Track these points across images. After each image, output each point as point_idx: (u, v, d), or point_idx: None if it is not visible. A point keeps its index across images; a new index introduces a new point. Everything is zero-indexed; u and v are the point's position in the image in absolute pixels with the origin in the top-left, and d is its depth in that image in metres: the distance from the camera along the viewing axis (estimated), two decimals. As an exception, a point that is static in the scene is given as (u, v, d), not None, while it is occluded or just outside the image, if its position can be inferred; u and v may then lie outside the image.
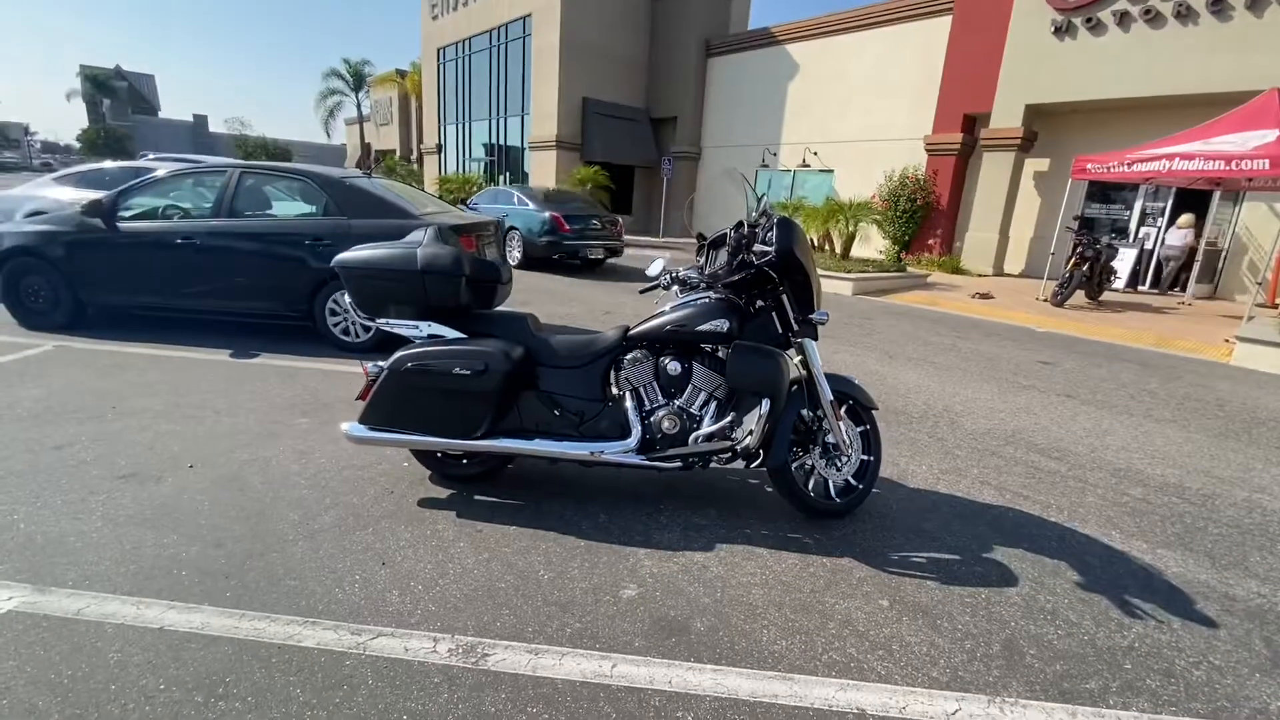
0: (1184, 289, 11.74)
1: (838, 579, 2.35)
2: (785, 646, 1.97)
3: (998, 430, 4.15)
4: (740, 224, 2.68)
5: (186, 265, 4.85)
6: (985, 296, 10.22)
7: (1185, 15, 10.92)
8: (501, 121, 22.59)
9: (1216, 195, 11.56)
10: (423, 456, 2.91)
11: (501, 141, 22.94)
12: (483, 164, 23.99)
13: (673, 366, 2.68)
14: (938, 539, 2.70)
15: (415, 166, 29.93)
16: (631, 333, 2.76)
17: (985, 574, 2.45)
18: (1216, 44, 10.63)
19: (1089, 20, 11.96)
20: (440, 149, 26.41)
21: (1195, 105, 10.76)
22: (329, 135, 35.75)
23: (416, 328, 2.70)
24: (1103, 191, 13.26)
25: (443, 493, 2.83)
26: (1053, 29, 12.38)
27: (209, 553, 2.28)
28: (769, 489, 3.05)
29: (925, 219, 14.93)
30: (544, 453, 2.63)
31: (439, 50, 24.79)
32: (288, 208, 5.29)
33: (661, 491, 2.96)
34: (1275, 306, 10.59)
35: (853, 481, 2.81)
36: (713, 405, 2.67)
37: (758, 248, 2.48)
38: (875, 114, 16.56)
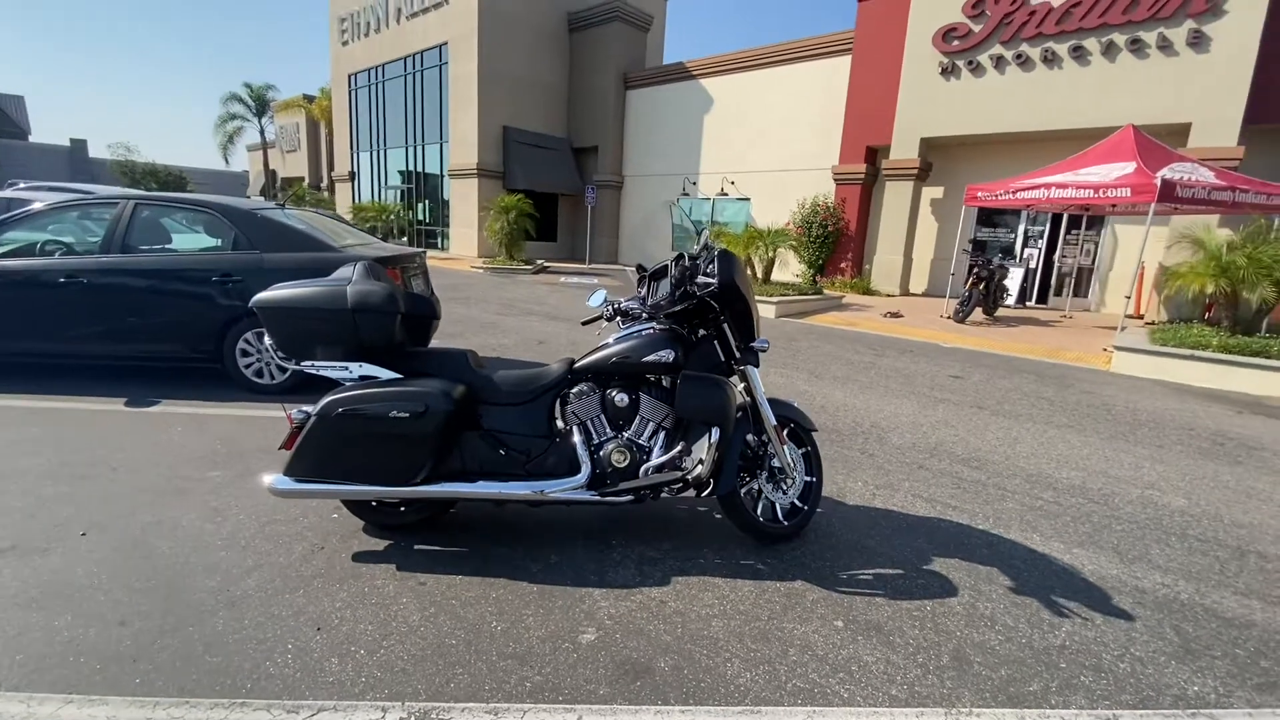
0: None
1: (793, 603, 2.38)
2: (750, 679, 1.96)
3: (922, 444, 4.38)
4: (681, 256, 2.72)
5: (72, 306, 4.39)
6: (895, 315, 10.88)
7: (1051, 60, 12.26)
8: (419, 149, 22.10)
9: (1084, 219, 12.92)
10: (355, 506, 2.73)
11: (419, 169, 22.42)
12: (399, 192, 23.32)
13: (620, 398, 2.66)
14: (881, 554, 2.80)
15: (326, 194, 28.69)
16: (577, 365, 2.72)
17: (928, 586, 2.56)
18: (1079, 85, 11.99)
19: (970, 63, 13.20)
20: (354, 176, 25.47)
21: (1066, 139, 12.06)
22: (227, 161, 33.70)
23: (346, 369, 2.55)
24: (990, 216, 14.52)
25: (379, 544, 2.65)
26: (940, 70, 13.57)
27: (111, 633, 2.02)
28: (718, 515, 3.08)
29: (837, 244, 15.81)
30: (490, 495, 2.53)
31: (350, 76, 24.06)
32: (190, 241, 4.91)
33: (612, 526, 2.91)
34: (1140, 317, 11.91)
35: (798, 503, 2.87)
36: (661, 435, 2.67)
37: (700, 279, 2.52)
38: (786, 145, 17.45)
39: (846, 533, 2.98)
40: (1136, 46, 11.39)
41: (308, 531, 2.72)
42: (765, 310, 10.59)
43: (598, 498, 2.56)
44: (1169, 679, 2.09)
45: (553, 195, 21.56)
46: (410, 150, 22.50)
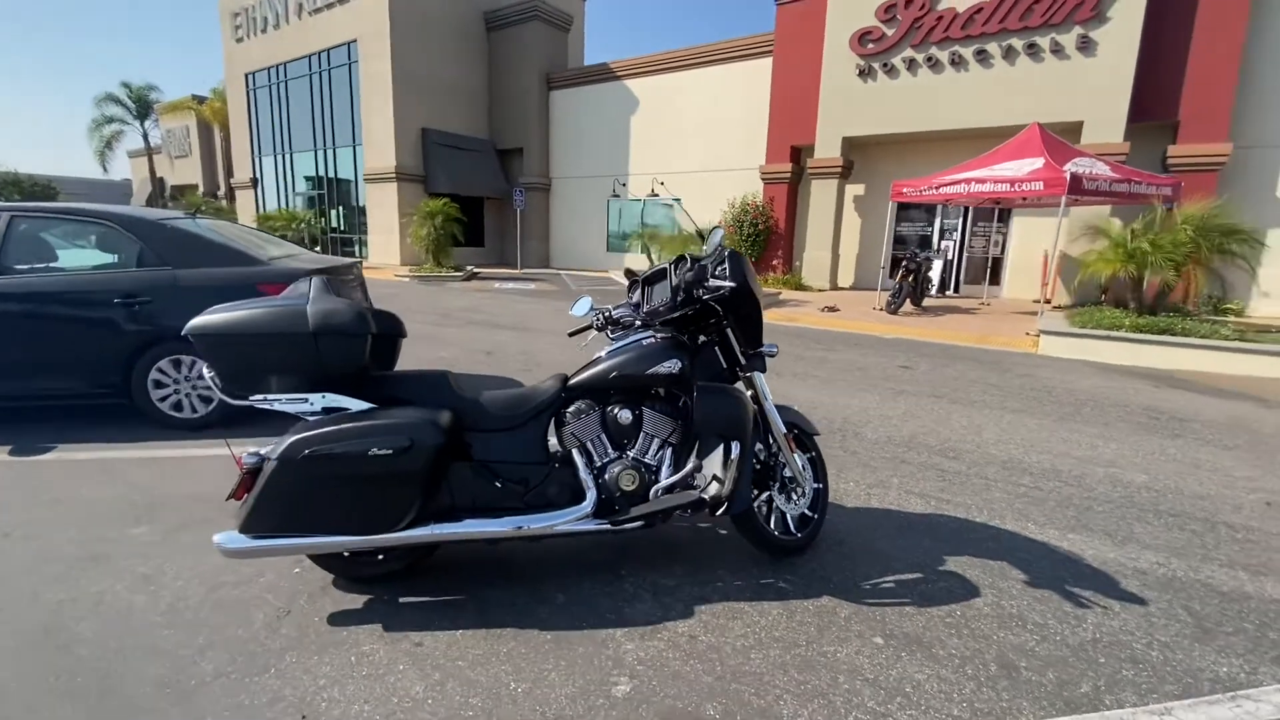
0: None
1: (826, 622, 2.24)
2: (809, 716, 1.80)
3: (896, 437, 4.40)
4: (683, 258, 2.54)
5: (-69, 341, 3.67)
6: (832, 310, 11.17)
7: (958, 63, 12.98)
8: (330, 153, 20.77)
9: (995, 212, 13.78)
10: (324, 558, 2.36)
11: (331, 174, 21.07)
12: (309, 198, 21.84)
13: (623, 415, 2.44)
14: (895, 558, 2.72)
15: (225, 203, 26.51)
16: (573, 382, 2.48)
17: (950, 588, 2.49)
18: (984, 87, 12.74)
19: (885, 65, 13.78)
20: (256, 183, 23.63)
21: (975, 138, 12.79)
22: (105, 169, 30.44)
23: (307, 401, 2.19)
24: (910, 211, 15.23)
25: (356, 600, 2.30)
26: (857, 72, 14.08)
27: (29, 756, 1.60)
28: (723, 532, 2.91)
29: (768, 242, 16.12)
30: (490, 534, 2.24)
31: (248, 76, 22.30)
32: (80, 259, 4.25)
33: (616, 554, 2.68)
34: (1049, 302, 12.81)
35: (808, 513, 2.75)
36: (668, 452, 2.47)
37: (712, 282, 2.34)
38: (714, 146, 17.64)
39: (854, 538, 2.89)
40: (1033, 50, 12.23)
41: (266, 593, 2.32)
42: (709, 310, 10.58)
43: (609, 527, 2.33)
44: (1198, 662, 2.10)
45: (478, 199, 20.84)
46: (320, 154, 21.11)
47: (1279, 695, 1.94)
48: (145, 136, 29.21)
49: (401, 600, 2.30)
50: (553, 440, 2.50)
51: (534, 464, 2.40)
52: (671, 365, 2.43)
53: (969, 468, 3.86)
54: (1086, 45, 11.74)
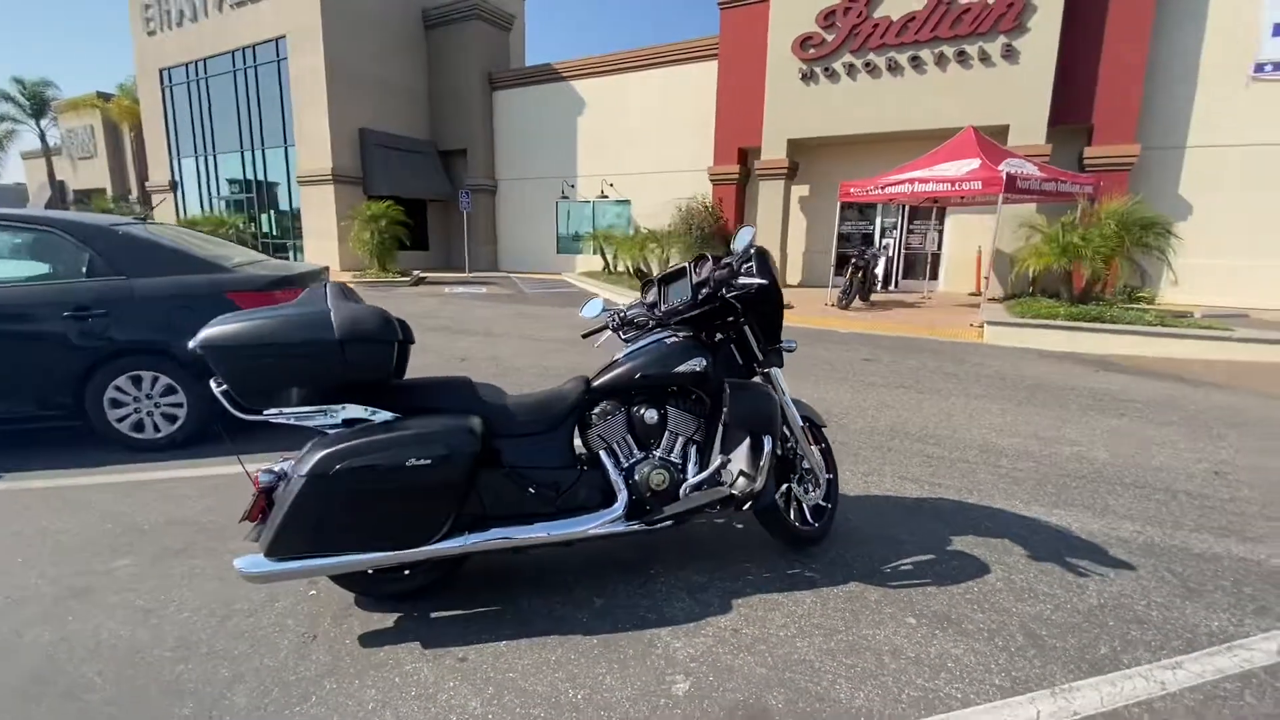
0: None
1: (859, 607, 2.31)
2: (866, 698, 1.85)
3: (877, 427, 4.57)
4: (704, 257, 2.56)
5: None
6: (788, 306, 11.46)
7: (895, 68, 13.58)
8: (258, 154, 19.70)
9: (934, 211, 14.50)
10: (347, 576, 2.25)
11: (260, 176, 19.99)
12: (235, 202, 20.63)
13: (649, 415, 2.44)
14: (905, 541, 2.83)
15: (139, 207, 24.70)
16: (597, 384, 2.46)
17: (962, 567, 2.62)
18: (919, 91, 13.38)
19: (826, 69, 14.26)
20: (176, 186, 22.13)
21: (913, 139, 13.41)
22: (-4, 172, 27.85)
23: (326, 413, 2.08)
24: (854, 210, 15.81)
25: (385, 619, 2.21)
26: (800, 76, 14.51)
27: (60, 814, 1.46)
28: (739, 525, 2.96)
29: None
30: (525, 541, 2.19)
31: (163, 72, 20.86)
32: (19, 269, 3.87)
33: (641, 554, 2.67)
34: (981, 294, 13.59)
35: (822, 503, 2.83)
36: (692, 450, 2.49)
37: (741, 280, 2.37)
38: (663, 147, 17.79)
39: (866, 525, 2.99)
40: (962, 58, 12.94)
41: (286, 619, 2.19)
42: (670, 309, 10.67)
43: (643, 527, 2.32)
44: (1191, 619, 2.28)
45: (420, 201, 20.25)
46: (248, 155, 19.99)
47: (1268, 643, 2.13)
48: (42, 137, 26.94)
49: (434, 616, 2.22)
50: (575, 442, 2.47)
51: (564, 468, 2.36)
52: (696, 363, 2.45)
53: (950, 452, 4.05)
54: (1010, 53, 12.52)
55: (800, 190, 16.08)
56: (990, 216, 13.20)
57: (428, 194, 20.29)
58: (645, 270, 13.26)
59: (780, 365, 2.63)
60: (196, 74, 20.14)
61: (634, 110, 18.05)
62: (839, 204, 12.62)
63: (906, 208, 14.80)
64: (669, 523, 2.36)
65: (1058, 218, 10.80)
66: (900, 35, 13.33)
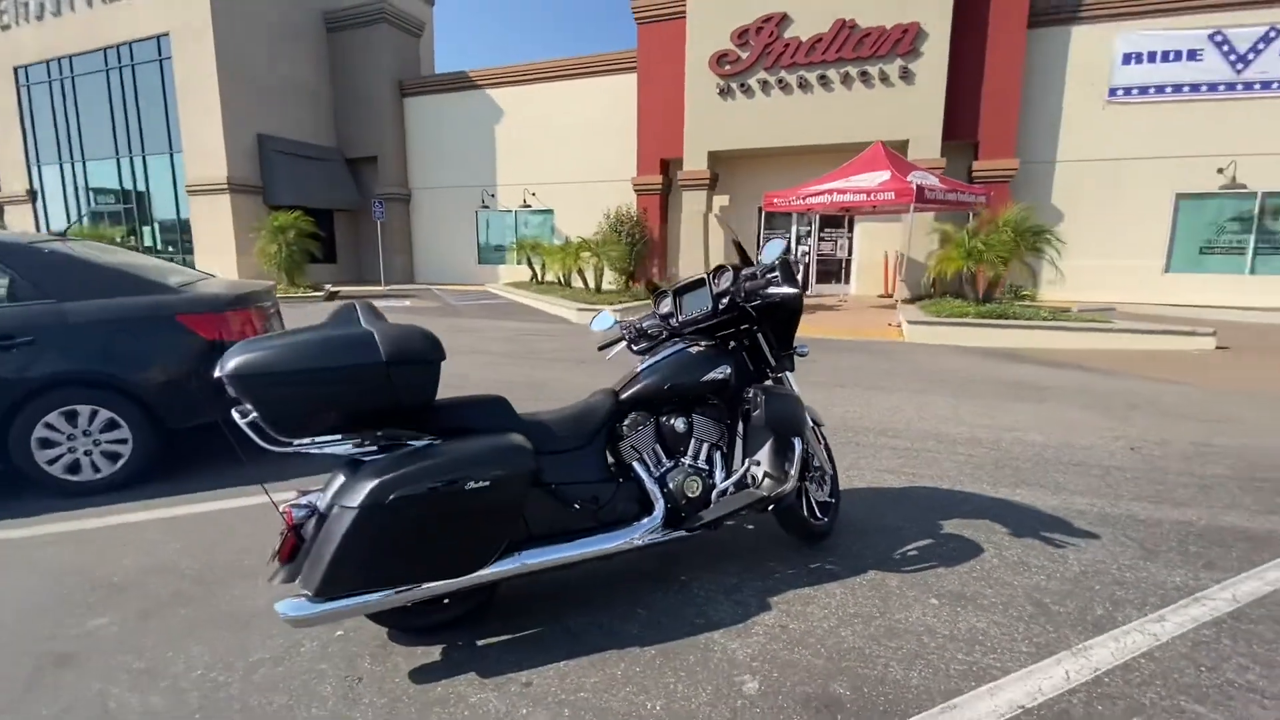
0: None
1: (884, 594, 2.46)
2: (920, 676, 1.98)
3: (837, 423, 4.83)
4: (722, 268, 2.64)
5: None
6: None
7: (805, 86, 14.40)
8: (138, 161, 17.87)
9: (846, 219, 15.47)
10: (383, 612, 2.12)
11: (141, 186, 18.13)
12: (108, 213, 18.58)
13: (679, 423, 2.49)
14: (901, 528, 3.04)
15: (-14, 221, 21.66)
16: (625, 395, 2.48)
17: (959, 548, 2.84)
18: (828, 108, 14.26)
19: (742, 85, 14.89)
20: (35, 196, 19.61)
21: (824, 153, 14.25)
22: None
23: (361, 441, 1.97)
24: (771, 219, 16.55)
25: (430, 651, 2.11)
26: (718, 91, 15.06)
27: None
28: (749, 526, 3.05)
29: (645, 250, 16.63)
30: (577, 557, 2.17)
31: (18, 70, 18.47)
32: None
33: (666, 564, 2.70)
34: (890, 296, 14.65)
35: (828, 498, 2.98)
36: (717, 455, 2.56)
37: (771, 290, 2.47)
38: (586, 157, 17.83)
39: (862, 517, 3.17)
40: (865, 78, 13.94)
41: (318, 663, 2.04)
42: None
43: (684, 534, 2.36)
44: (1158, 576, 2.61)
45: (327, 211, 19.12)
46: (125, 162, 18.08)
47: (1224, 592, 2.48)
48: None
49: (479, 644, 2.15)
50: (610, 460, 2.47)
51: (602, 481, 2.36)
52: (721, 371, 2.53)
53: (912, 444, 4.37)
54: (907, 75, 13.63)
55: (721, 200, 16.63)
56: (894, 224, 14.33)
57: (335, 203, 19.23)
58: (583, 279, 13.22)
59: (792, 369, 2.76)
60: (60, 73, 18.01)
61: (555, 120, 18.00)
62: (759, 213, 13.18)
63: (818, 216, 15.70)
64: (708, 528, 2.41)
65: (952, 225, 11.89)
66: (809, 55, 14.16)
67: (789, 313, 2.61)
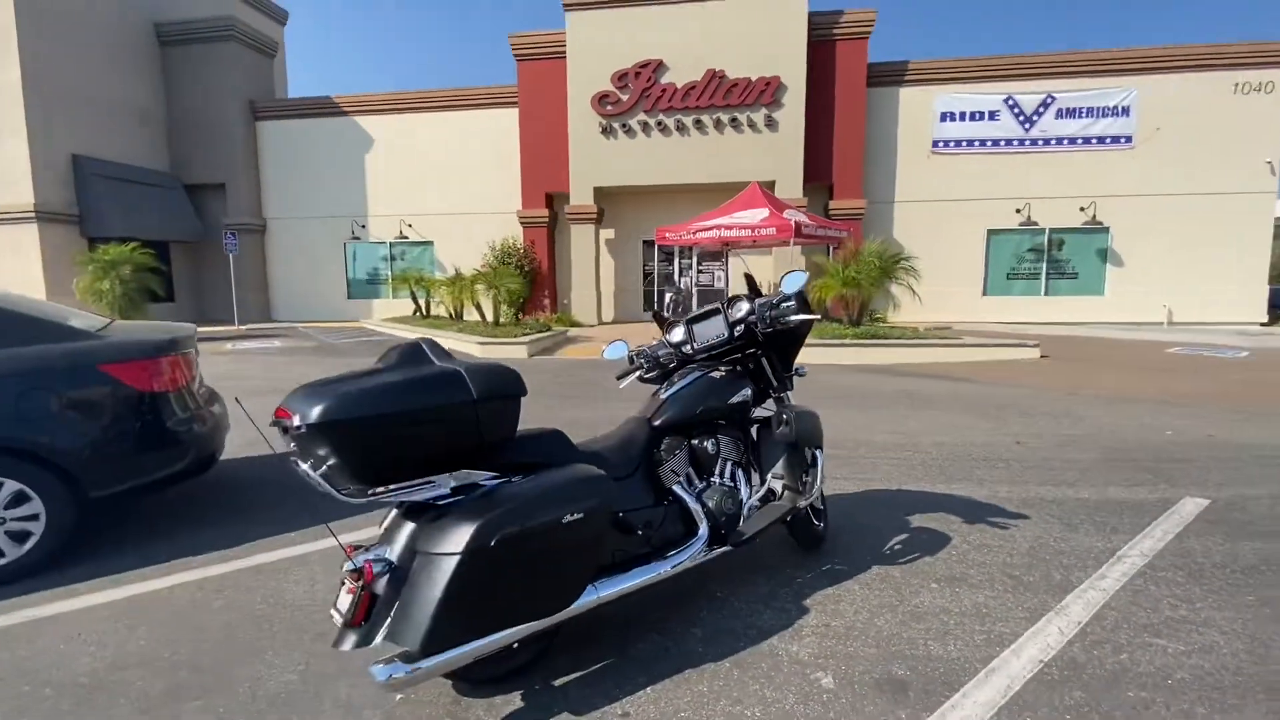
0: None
1: (894, 586, 2.76)
2: (957, 649, 2.27)
3: (781, 440, 5.23)
4: (737, 298, 2.84)
5: None
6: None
7: (682, 129, 15.39)
8: (-101, 183, 14.59)
9: (724, 253, 16.55)
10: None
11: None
12: None
13: (710, 445, 2.63)
14: (879, 528, 3.39)
15: None
16: (659, 422, 2.57)
17: (932, 539, 3.24)
18: (704, 150, 15.34)
19: (624, 126, 15.57)
20: None
21: (703, 191, 15.26)
22: None
23: (434, 484, 1.89)
24: (654, 253, 17.26)
25: (513, 700, 2.03)
26: (601, 130, 15.62)
27: None
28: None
29: (534, 282, 16.58)
30: (647, 582, 2.22)
31: None
32: None
33: (701, 581, 2.78)
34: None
35: (819, 505, 3.26)
36: (739, 472, 2.73)
37: (792, 317, 2.70)
38: (469, 188, 17.48)
39: (841, 521, 3.47)
40: (735, 124, 15.22)
41: (392, 730, 1.89)
42: (517, 351, 10.56)
43: (730, 549, 2.49)
44: (1085, 544, 3.17)
45: (163, 243, 16.85)
46: (-123, 184, 14.66)
47: (1134, 550, 3.08)
48: None
49: (556, 684, 2.10)
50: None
51: (653, 506, 2.42)
52: (744, 393, 2.73)
53: (851, 452, 4.84)
54: (771, 123, 15.10)
55: (606, 234, 17.09)
56: (764, 256, 15.63)
57: (173, 234, 17.04)
58: (480, 312, 12.85)
59: (791, 389, 3.02)
60: None
61: (435, 150, 17.48)
62: (644, 246, 13.78)
63: (697, 250, 16.67)
64: (749, 542, 2.56)
65: (822, 257, 13.27)
66: (685, 100, 15.20)
67: (795, 338, 2.87)
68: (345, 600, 1.81)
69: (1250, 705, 1.97)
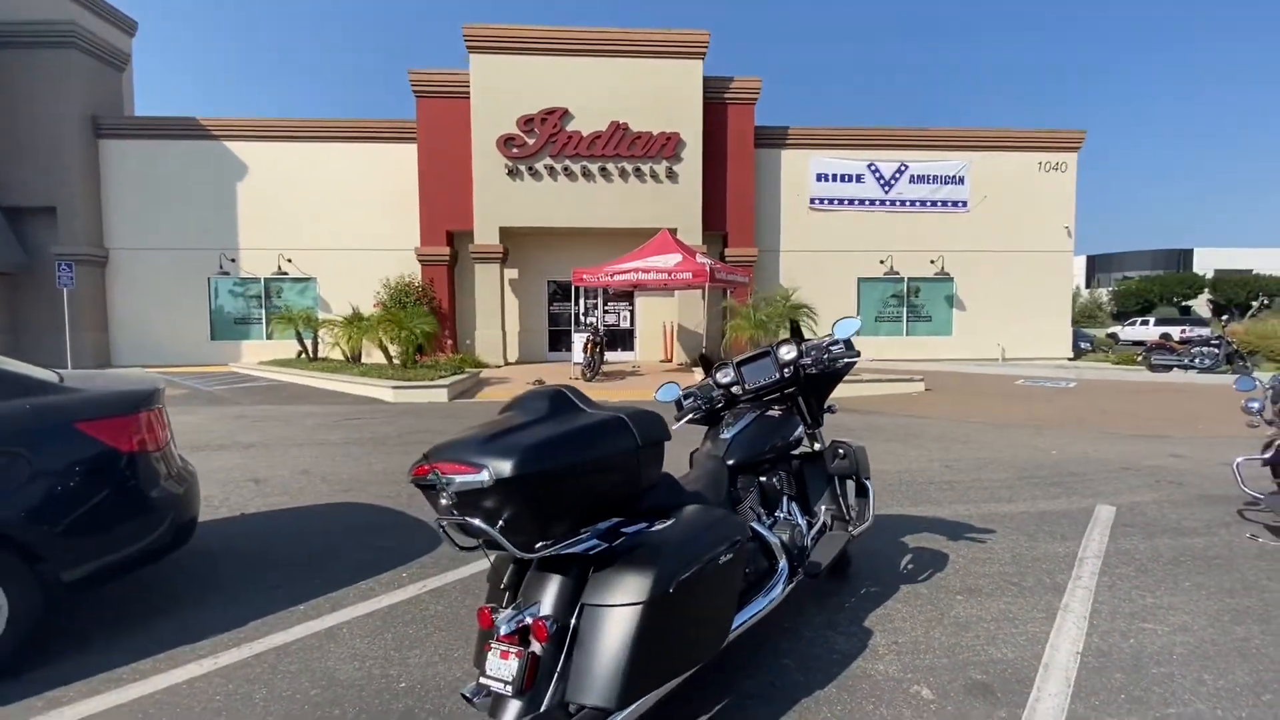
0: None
1: (928, 600, 3.06)
2: (1012, 650, 2.58)
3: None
4: (786, 340, 3.06)
5: None
6: (540, 382, 11.97)
7: (589, 175, 15.81)
8: None
9: (632, 295, 17.00)
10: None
11: None
12: None
13: (777, 481, 2.80)
14: (883, 551, 3.70)
15: None
16: (734, 461, 2.70)
17: (934, 557, 3.60)
18: (610, 197, 15.83)
19: (530, 169, 15.68)
20: None
21: (610, 236, 15.68)
22: None
23: (590, 534, 1.87)
24: (559, 294, 17.30)
25: (653, 750, 2.00)
26: (507, 171, 15.60)
27: None
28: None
29: (436, 321, 15.89)
30: (762, 614, 2.30)
31: None
32: None
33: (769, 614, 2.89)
34: (670, 360, 16.47)
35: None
36: (794, 505, 2.92)
37: (844, 360, 2.95)
38: (360, 223, 16.54)
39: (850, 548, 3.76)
40: (639, 174, 15.93)
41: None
42: (438, 395, 10.04)
43: (807, 579, 2.64)
44: (1050, 549, 3.71)
45: (-34, 276, 14.11)
46: None
47: (1088, 551, 3.66)
48: None
49: (689, 727, 2.11)
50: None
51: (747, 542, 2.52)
52: (800, 431, 2.94)
53: (818, 484, 5.21)
54: (672, 175, 15.98)
55: (510, 273, 16.90)
56: (667, 299, 16.33)
57: (-19, 265, 14.32)
58: (386, 354, 12.05)
59: (822, 425, 3.29)
60: None
61: (321, 182, 16.40)
62: (548, 285, 13.81)
63: (602, 292, 17.00)
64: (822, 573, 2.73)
65: (713, 302, 14.16)
66: (590, 149, 15.66)
67: (835, 378, 3.14)
68: (501, 665, 1.71)
69: (1236, 667, 2.45)
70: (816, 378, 3.08)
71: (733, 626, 2.19)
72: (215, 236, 16.36)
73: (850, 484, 3.14)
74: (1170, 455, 6.31)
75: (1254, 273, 38.40)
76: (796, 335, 3.13)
